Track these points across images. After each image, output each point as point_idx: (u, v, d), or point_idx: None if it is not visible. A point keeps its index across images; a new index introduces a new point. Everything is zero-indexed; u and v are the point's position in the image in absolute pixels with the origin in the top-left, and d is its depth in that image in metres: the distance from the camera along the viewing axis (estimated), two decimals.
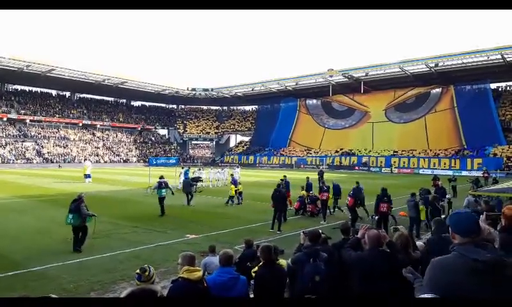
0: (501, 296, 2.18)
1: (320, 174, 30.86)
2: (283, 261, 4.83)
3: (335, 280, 4.61)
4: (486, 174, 33.62)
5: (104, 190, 26.84)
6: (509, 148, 51.94)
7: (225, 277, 4.22)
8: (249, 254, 6.42)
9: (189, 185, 20.27)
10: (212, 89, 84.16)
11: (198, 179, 20.55)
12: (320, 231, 5.66)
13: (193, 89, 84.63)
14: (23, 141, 64.75)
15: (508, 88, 62.30)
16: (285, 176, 20.14)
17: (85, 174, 32.35)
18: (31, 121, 68.97)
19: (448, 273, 2.25)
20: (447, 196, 17.47)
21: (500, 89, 62.29)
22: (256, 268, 4.75)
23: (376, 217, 13.34)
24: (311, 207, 16.72)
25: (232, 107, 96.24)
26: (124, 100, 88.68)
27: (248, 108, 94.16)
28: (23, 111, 68.74)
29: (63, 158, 64.84)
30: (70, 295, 7.19)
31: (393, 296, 3.35)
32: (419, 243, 5.61)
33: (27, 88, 73.91)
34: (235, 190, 20.08)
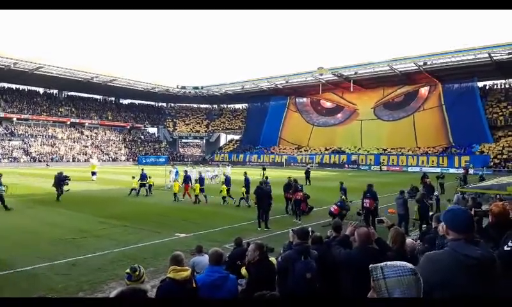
0: (491, 292, 2.22)
1: (307, 173, 30.81)
2: (272, 259, 4.84)
3: (326, 277, 4.63)
4: (466, 169, 34.10)
5: (93, 189, 26.64)
6: (495, 145, 52.78)
7: (214, 276, 4.21)
8: (238, 253, 6.42)
9: (59, 182, 20.48)
10: (202, 87, 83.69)
11: (66, 178, 20.99)
12: (310, 228, 5.68)
13: (183, 87, 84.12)
14: (10, 140, 63.75)
15: (495, 86, 63.26)
16: (245, 173, 21.98)
17: (92, 172, 33.62)
18: (17, 119, 67.99)
19: (440, 268, 2.28)
20: (435, 193, 17.68)
21: (487, 88, 63.19)
22: (245, 267, 4.75)
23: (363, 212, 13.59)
24: (302, 206, 16.79)
25: (222, 106, 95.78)
26: (113, 98, 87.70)
27: (238, 106, 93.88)
28: (10, 109, 67.61)
29: (50, 157, 64.01)
30: (59, 295, 7.07)
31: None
32: (409, 240, 5.67)
33: (13, 86, 72.55)
34: (139, 183, 23.20)
